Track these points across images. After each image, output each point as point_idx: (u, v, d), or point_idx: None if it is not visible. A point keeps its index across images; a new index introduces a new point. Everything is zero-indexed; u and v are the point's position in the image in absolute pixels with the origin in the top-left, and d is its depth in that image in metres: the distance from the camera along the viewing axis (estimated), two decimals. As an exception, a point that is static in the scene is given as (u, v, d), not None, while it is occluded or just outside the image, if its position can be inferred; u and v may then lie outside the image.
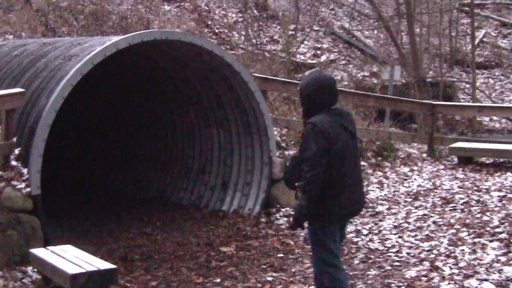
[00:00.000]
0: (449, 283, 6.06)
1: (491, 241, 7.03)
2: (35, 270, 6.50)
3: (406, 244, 7.37)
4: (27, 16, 15.70)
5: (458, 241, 7.17)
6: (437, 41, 20.90)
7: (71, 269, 5.61)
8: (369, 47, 21.41)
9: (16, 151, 7.36)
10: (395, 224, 8.12)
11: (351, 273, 6.57)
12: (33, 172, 7.10)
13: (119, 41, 7.98)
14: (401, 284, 6.17)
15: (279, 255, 7.40)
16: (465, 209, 8.21)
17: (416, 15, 20.01)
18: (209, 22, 19.92)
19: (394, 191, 9.56)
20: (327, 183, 4.80)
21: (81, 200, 10.71)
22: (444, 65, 20.69)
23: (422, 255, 6.94)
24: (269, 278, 6.60)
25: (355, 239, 7.76)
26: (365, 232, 7.98)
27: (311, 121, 4.89)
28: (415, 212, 8.42)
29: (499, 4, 26.11)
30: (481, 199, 8.53)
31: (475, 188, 9.16)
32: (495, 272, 6.21)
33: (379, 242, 7.56)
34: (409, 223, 8.06)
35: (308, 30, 21.01)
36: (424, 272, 6.39)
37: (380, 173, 10.51)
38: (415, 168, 10.83)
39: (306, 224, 5.05)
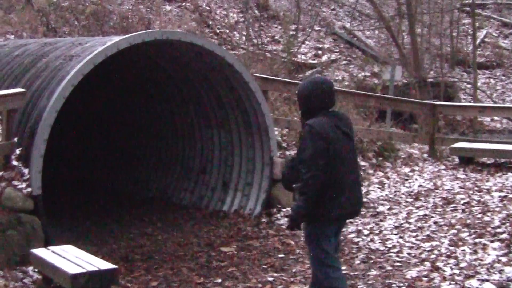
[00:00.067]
0: (450, 284, 6.05)
1: (492, 241, 7.03)
2: (36, 270, 6.50)
3: (407, 244, 7.36)
4: (28, 16, 15.71)
5: (459, 241, 7.16)
6: (438, 41, 20.89)
7: (72, 269, 5.61)
8: (370, 47, 21.39)
9: (17, 151, 7.36)
10: (396, 224, 8.11)
11: (351, 273, 6.57)
12: (34, 172, 7.10)
13: (120, 41, 7.98)
14: (402, 284, 6.17)
15: (280, 255, 7.40)
16: (466, 210, 8.20)
17: (417, 15, 20.00)
18: (210, 22, 19.92)
19: (395, 191, 9.55)
20: (325, 184, 4.82)
21: (82, 200, 10.71)
22: (445, 65, 20.68)
23: (423, 256, 6.93)
24: (270, 278, 6.59)
25: (356, 239, 7.75)
26: (366, 232, 7.98)
27: (308, 123, 4.93)
28: (416, 213, 8.41)
29: (500, 4, 26.10)
30: (482, 200, 8.52)
31: (476, 188, 9.15)
32: (496, 272, 6.21)
33: (380, 243, 7.55)
34: (410, 223, 8.06)
35: (309, 30, 21.00)
36: (425, 273, 6.39)
37: (381, 173, 10.50)
38: (416, 168, 10.82)
39: (302, 225, 5.05)
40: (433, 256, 6.87)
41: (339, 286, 5.01)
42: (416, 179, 10.10)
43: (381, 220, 8.35)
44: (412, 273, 6.42)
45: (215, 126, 9.90)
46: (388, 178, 10.30)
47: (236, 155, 9.65)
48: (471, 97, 19.49)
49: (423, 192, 9.26)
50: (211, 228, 8.74)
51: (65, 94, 7.40)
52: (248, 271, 6.93)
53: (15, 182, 7.05)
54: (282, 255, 7.40)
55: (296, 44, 19.75)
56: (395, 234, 7.75)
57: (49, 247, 6.47)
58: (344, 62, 20.49)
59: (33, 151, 7.16)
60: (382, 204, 8.99)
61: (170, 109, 10.62)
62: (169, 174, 10.73)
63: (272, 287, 6.39)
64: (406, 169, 10.73)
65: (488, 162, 10.87)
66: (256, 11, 21.40)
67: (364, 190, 9.70)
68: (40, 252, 6.30)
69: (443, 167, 10.87)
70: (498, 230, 7.33)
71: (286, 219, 8.68)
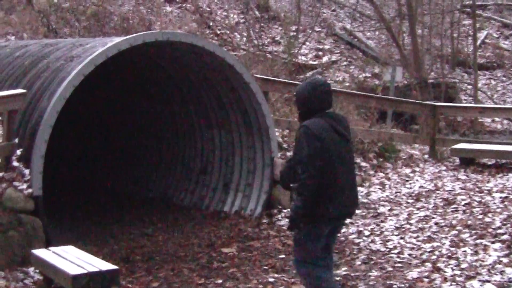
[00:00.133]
0: (451, 284, 6.05)
1: (493, 242, 7.02)
2: (37, 270, 6.50)
3: (408, 245, 7.35)
4: (28, 17, 15.72)
5: (460, 242, 7.16)
6: (439, 42, 20.89)
7: (73, 270, 5.62)
8: (370, 48, 21.39)
9: (18, 152, 7.37)
10: (396, 225, 8.11)
11: (352, 274, 6.56)
12: (34, 173, 7.10)
13: (121, 42, 7.98)
14: (402, 285, 6.16)
15: (281, 256, 7.39)
16: (467, 210, 8.20)
17: (417, 16, 20.00)
18: (211, 23, 19.93)
19: (395, 192, 9.54)
20: (322, 185, 4.86)
21: (82, 201, 10.72)
22: (445, 66, 20.68)
23: (424, 256, 6.93)
24: (271, 279, 6.59)
25: (357, 240, 7.75)
26: (367, 233, 7.97)
27: (304, 124, 4.99)
28: (417, 213, 8.41)
29: (501, 5, 26.10)
30: (483, 200, 8.52)
31: (477, 189, 9.14)
32: (497, 273, 6.20)
33: (380, 243, 7.55)
34: (411, 224, 8.05)
35: (310, 31, 21.01)
36: (426, 273, 6.38)
37: (381, 174, 10.50)
38: (417, 169, 10.82)
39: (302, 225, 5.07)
40: (434, 257, 6.87)
41: (325, 285, 5.05)
42: (417, 180, 10.09)
43: (382, 221, 8.35)
44: (413, 274, 6.41)
45: (215, 127, 9.90)
46: (389, 179, 10.30)
47: (237, 155, 9.65)
48: (471, 98, 19.49)
49: (424, 193, 9.25)
50: (212, 228, 8.74)
51: (66, 94, 7.40)
52: (249, 272, 6.93)
53: (16, 183, 7.05)
54: (283, 256, 7.39)
55: (297, 45, 19.75)
56: (396, 235, 7.75)
57: (49, 248, 6.48)
58: (345, 63, 20.50)
59: (33, 152, 7.16)
60: (383, 205, 8.98)
61: (170, 110, 10.62)
62: (169, 174, 10.73)
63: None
64: (407, 170, 10.72)
65: (489, 163, 10.86)
66: (257, 12, 21.40)
67: (365, 191, 9.72)
68: (40, 252, 6.30)
69: (444, 168, 10.87)
70: (499, 231, 7.32)
71: (287, 220, 8.68)
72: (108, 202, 10.58)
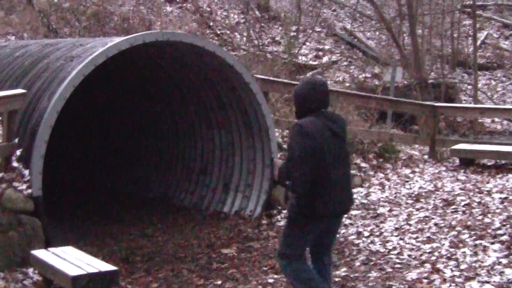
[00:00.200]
0: (450, 285, 6.05)
1: (492, 243, 7.02)
2: (36, 271, 6.50)
3: (408, 246, 7.35)
4: (29, 17, 15.72)
5: (460, 243, 7.16)
6: (439, 43, 20.89)
7: (72, 271, 5.62)
8: (371, 49, 21.40)
9: (18, 152, 7.36)
10: (396, 226, 8.11)
11: (352, 275, 6.57)
12: (34, 173, 7.10)
13: (121, 42, 7.98)
14: (402, 286, 6.17)
15: (280, 257, 7.38)
16: (467, 211, 8.20)
17: (418, 16, 20.00)
18: (211, 23, 19.93)
19: (395, 193, 9.54)
20: (314, 183, 4.92)
21: (82, 201, 10.72)
22: (446, 67, 20.68)
23: (423, 257, 6.93)
24: (270, 280, 6.59)
25: (356, 241, 7.75)
26: (366, 234, 7.97)
27: (298, 122, 5.08)
28: (417, 214, 8.41)
29: (501, 5, 26.10)
30: (482, 201, 8.52)
31: (477, 190, 9.14)
32: (496, 274, 6.20)
33: (380, 244, 7.55)
34: (410, 225, 8.05)
35: (310, 31, 21.01)
36: (425, 274, 6.38)
37: (381, 175, 10.50)
38: (417, 169, 10.82)
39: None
40: (433, 257, 6.87)
41: (307, 277, 5.15)
42: (416, 181, 10.09)
43: (382, 222, 8.35)
44: (412, 275, 6.41)
45: (215, 127, 9.91)
46: (388, 179, 10.30)
47: (237, 156, 9.66)
48: (471, 98, 19.49)
49: (423, 194, 9.25)
50: (212, 229, 8.74)
51: (66, 95, 7.41)
52: (249, 273, 6.93)
53: (16, 183, 7.05)
54: (283, 257, 7.38)
55: (297, 45, 19.75)
56: (396, 236, 7.75)
57: (49, 249, 6.48)
58: (345, 63, 20.50)
59: (33, 152, 7.16)
60: (382, 206, 8.98)
61: (170, 110, 10.62)
62: (169, 175, 10.74)
63: (273, 288, 6.40)
64: (407, 171, 10.72)
65: (489, 163, 10.86)
66: (257, 12, 21.40)
67: (364, 191, 9.73)
68: (40, 253, 6.30)
69: (443, 168, 10.87)
70: (499, 231, 7.32)
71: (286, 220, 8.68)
72: (108, 203, 10.58)
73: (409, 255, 7.06)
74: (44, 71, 8.37)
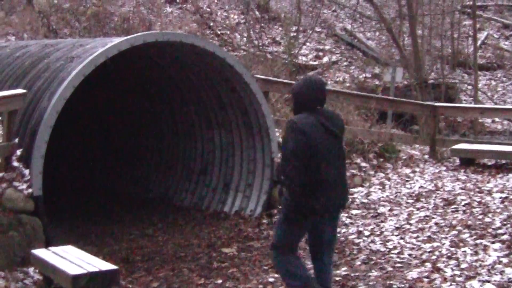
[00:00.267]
0: (450, 285, 6.05)
1: (493, 242, 7.02)
2: (37, 271, 6.50)
3: (408, 245, 7.35)
4: (29, 17, 15.73)
5: (460, 242, 7.15)
6: (439, 43, 20.90)
7: (73, 270, 5.62)
8: (371, 49, 21.40)
9: (18, 152, 7.36)
10: (396, 225, 8.11)
11: (352, 274, 6.56)
12: (34, 173, 7.10)
13: (121, 42, 7.98)
14: (402, 285, 6.16)
15: (281, 257, 7.38)
16: (467, 211, 8.20)
17: (418, 16, 20.00)
18: (211, 24, 19.94)
19: (396, 193, 9.54)
20: (306, 179, 4.99)
21: (82, 201, 10.72)
22: (446, 67, 20.69)
23: (424, 257, 6.92)
24: (271, 279, 6.59)
25: (357, 240, 7.75)
26: (366, 233, 7.97)
27: (292, 118, 5.18)
28: (417, 214, 8.41)
29: (501, 6, 26.11)
30: (483, 201, 8.52)
31: (477, 189, 9.14)
32: (497, 273, 6.20)
33: (380, 244, 7.54)
34: (410, 224, 8.05)
35: (310, 31, 21.01)
36: (425, 274, 6.38)
37: (382, 175, 10.50)
38: (417, 169, 10.82)
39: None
40: (434, 257, 6.86)
41: (291, 270, 5.26)
42: (417, 180, 10.09)
43: (382, 221, 8.35)
44: (413, 274, 6.41)
45: (215, 127, 9.91)
46: (389, 179, 10.30)
47: (237, 156, 9.66)
48: (472, 98, 19.49)
49: (424, 193, 9.25)
50: (212, 229, 8.74)
51: (66, 95, 7.41)
52: (249, 272, 6.93)
53: (16, 183, 7.05)
54: (283, 256, 7.38)
55: (297, 46, 19.76)
56: (396, 235, 7.75)
57: (49, 248, 6.47)
58: (345, 63, 20.51)
59: (34, 152, 7.16)
60: (383, 205, 8.98)
61: (170, 110, 10.62)
62: (169, 175, 10.74)
63: (273, 288, 6.40)
64: (407, 170, 10.72)
65: (489, 163, 10.86)
66: (257, 13, 21.41)
67: (365, 191, 9.73)
68: (40, 253, 6.30)
69: (444, 168, 10.87)
70: (499, 231, 7.32)
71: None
72: (108, 203, 10.58)
73: (409, 254, 7.06)
74: (44, 71, 8.37)
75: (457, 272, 6.33)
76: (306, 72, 18.31)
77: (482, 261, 6.55)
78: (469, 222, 7.72)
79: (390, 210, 8.76)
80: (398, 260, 6.94)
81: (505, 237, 7.11)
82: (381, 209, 8.82)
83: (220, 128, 9.84)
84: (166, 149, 10.97)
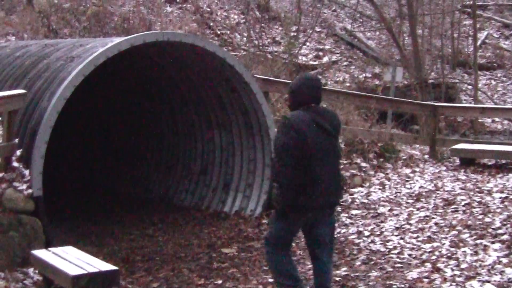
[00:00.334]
0: (450, 285, 6.05)
1: (493, 242, 7.02)
2: (37, 271, 6.50)
3: (408, 245, 7.35)
4: (29, 17, 15.74)
5: (460, 242, 7.16)
6: (439, 43, 20.91)
7: (73, 271, 5.61)
8: (371, 49, 21.41)
9: (18, 152, 7.36)
10: (396, 225, 8.11)
11: (352, 275, 6.57)
12: (34, 174, 7.10)
13: (121, 42, 7.98)
14: (402, 285, 6.17)
15: (281, 257, 7.38)
16: (467, 211, 8.19)
17: (418, 16, 20.01)
18: (211, 24, 19.94)
19: (396, 193, 9.54)
20: (297, 175, 5.05)
21: (83, 201, 10.72)
22: (446, 67, 20.70)
23: (424, 257, 6.93)
24: (271, 280, 6.57)
25: (357, 241, 7.75)
26: (366, 233, 7.97)
27: (285, 115, 5.29)
28: (417, 214, 8.41)
29: (501, 5, 26.11)
30: (483, 201, 8.51)
31: (477, 189, 9.14)
32: (496, 273, 6.20)
33: (380, 244, 7.55)
34: (410, 224, 8.05)
35: (310, 31, 21.01)
36: (425, 274, 6.39)
37: (382, 175, 10.50)
38: (417, 169, 10.82)
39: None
40: (434, 257, 6.87)
41: (280, 268, 5.35)
42: (417, 180, 10.09)
43: (382, 221, 8.35)
44: (413, 274, 6.42)
45: (216, 127, 9.91)
46: (389, 179, 10.30)
47: (237, 156, 9.65)
48: (472, 98, 19.50)
49: (424, 193, 9.25)
50: (212, 229, 8.74)
51: (66, 95, 7.40)
52: (249, 272, 6.93)
53: (16, 183, 7.05)
54: (283, 256, 7.38)
55: (297, 46, 19.76)
56: (396, 235, 7.75)
57: (49, 249, 6.47)
58: (345, 63, 20.52)
59: (34, 152, 7.16)
60: (383, 205, 8.98)
61: (170, 110, 10.62)
62: (170, 175, 10.74)
63: (273, 288, 6.40)
64: (407, 170, 10.72)
65: (489, 163, 10.86)
66: (257, 13, 21.41)
67: (365, 191, 9.72)
68: (40, 253, 6.29)
69: (444, 168, 10.86)
70: (499, 231, 7.32)
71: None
72: (108, 203, 10.58)
73: (409, 255, 7.06)
74: (45, 71, 8.37)
75: (457, 272, 6.34)
76: (306, 72, 18.31)
77: (482, 261, 6.55)
78: (469, 222, 7.72)
79: (390, 210, 8.76)
80: (398, 260, 6.95)
81: (505, 237, 7.11)
82: (381, 209, 8.82)
83: (220, 128, 9.84)
84: (166, 149, 10.97)
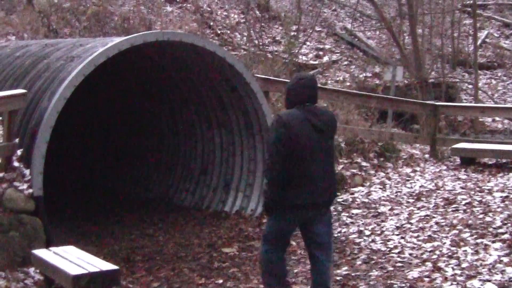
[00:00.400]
0: (451, 284, 6.05)
1: (493, 242, 7.02)
2: (37, 271, 6.50)
3: (409, 244, 7.35)
4: (29, 17, 15.72)
5: (461, 242, 7.15)
6: (439, 42, 20.89)
7: (73, 270, 5.61)
8: (371, 48, 21.39)
9: (18, 152, 7.36)
10: (397, 224, 8.11)
11: (353, 274, 6.57)
12: (35, 173, 7.10)
13: (121, 42, 7.98)
14: (403, 285, 6.16)
15: (281, 256, 7.38)
16: (468, 210, 8.19)
17: (418, 15, 20.00)
18: (211, 23, 19.92)
19: (396, 192, 9.54)
20: (288, 173, 5.10)
21: (83, 201, 10.72)
22: (446, 66, 20.68)
23: (425, 256, 6.93)
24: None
25: (358, 240, 7.75)
26: (367, 233, 7.97)
27: (278, 113, 5.39)
28: (418, 213, 8.41)
29: (501, 4, 26.09)
30: (483, 200, 8.51)
31: (478, 189, 9.14)
32: (497, 273, 6.20)
33: (381, 243, 7.55)
34: (411, 223, 8.05)
35: (310, 31, 21.00)
36: (426, 273, 6.39)
37: (382, 174, 10.50)
38: (418, 169, 10.82)
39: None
40: (434, 256, 6.87)
41: (269, 267, 5.37)
42: (417, 180, 10.09)
43: (383, 221, 8.35)
44: (413, 273, 6.42)
45: (216, 127, 9.90)
46: (389, 178, 10.29)
47: (238, 155, 9.65)
48: (472, 97, 19.48)
49: (424, 193, 9.25)
50: (212, 229, 8.74)
51: (66, 95, 7.40)
52: (250, 272, 6.93)
53: (16, 183, 7.05)
54: (284, 256, 7.38)
55: (297, 45, 19.75)
56: (397, 235, 7.75)
57: (50, 248, 6.47)
58: (345, 62, 20.50)
59: (34, 152, 7.16)
60: (383, 205, 8.98)
61: (171, 110, 10.62)
62: (170, 175, 10.73)
63: (274, 287, 6.38)
64: (408, 170, 10.72)
65: (490, 162, 10.86)
66: (257, 12, 21.40)
67: (365, 190, 9.72)
68: (41, 253, 6.29)
69: (444, 167, 10.86)
70: (500, 230, 7.32)
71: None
72: (108, 203, 10.58)
73: (410, 254, 7.06)
74: (45, 71, 8.36)
75: (458, 272, 6.33)
76: (307, 71, 18.31)
77: (483, 260, 6.55)
78: (470, 222, 7.72)
79: (391, 209, 8.76)
80: (398, 259, 6.95)
81: (505, 236, 7.11)
82: (382, 209, 8.82)
83: (220, 128, 9.84)
84: (166, 149, 10.97)
